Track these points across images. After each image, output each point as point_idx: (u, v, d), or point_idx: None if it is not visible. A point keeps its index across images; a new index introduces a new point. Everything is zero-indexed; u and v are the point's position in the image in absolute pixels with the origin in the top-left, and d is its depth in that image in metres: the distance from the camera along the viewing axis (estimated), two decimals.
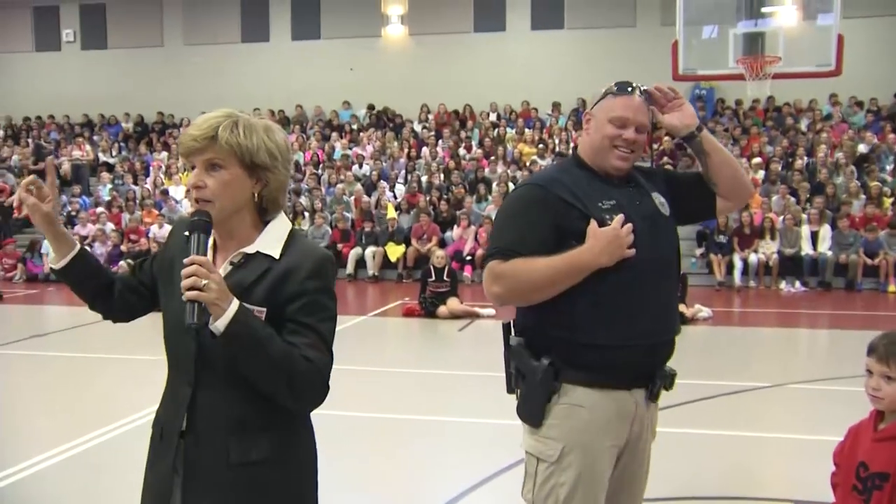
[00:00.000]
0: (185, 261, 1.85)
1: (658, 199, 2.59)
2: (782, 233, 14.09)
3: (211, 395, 1.99)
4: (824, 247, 13.85)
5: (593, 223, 2.42)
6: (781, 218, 14.31)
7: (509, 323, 2.63)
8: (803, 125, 18.10)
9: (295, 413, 2.06)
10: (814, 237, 14.00)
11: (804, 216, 14.28)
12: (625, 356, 2.45)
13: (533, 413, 2.50)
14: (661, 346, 2.53)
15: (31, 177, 2.14)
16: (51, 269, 2.18)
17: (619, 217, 2.43)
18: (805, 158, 16.37)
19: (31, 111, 22.77)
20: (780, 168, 16.02)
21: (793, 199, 14.63)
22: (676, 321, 2.62)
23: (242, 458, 1.96)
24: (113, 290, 2.23)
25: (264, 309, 1.96)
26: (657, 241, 2.51)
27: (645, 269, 2.45)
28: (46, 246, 11.17)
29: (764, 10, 10.66)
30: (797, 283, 13.58)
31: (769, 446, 5.59)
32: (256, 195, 2.02)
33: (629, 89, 2.54)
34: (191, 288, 1.81)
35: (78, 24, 23.23)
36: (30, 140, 21.42)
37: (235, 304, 1.86)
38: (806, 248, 13.90)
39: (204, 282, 1.81)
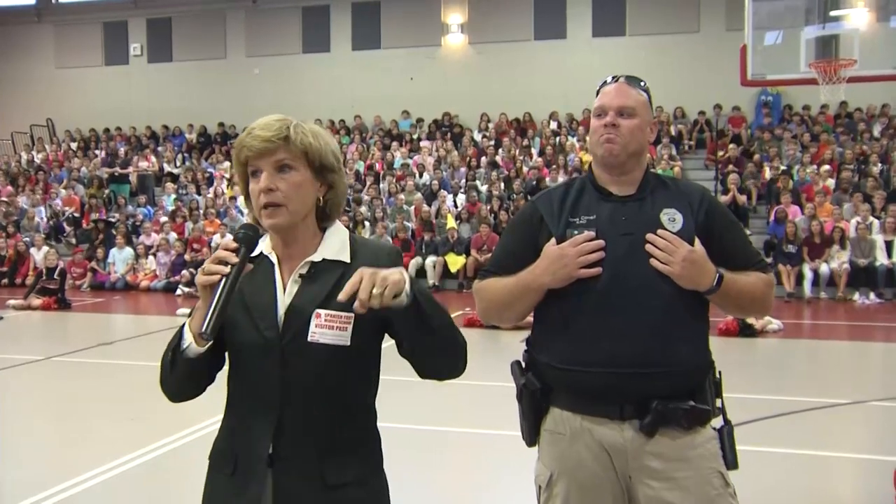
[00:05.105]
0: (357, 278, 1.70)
1: (668, 214, 2.34)
2: (854, 242, 13.61)
3: (298, 419, 1.90)
4: None
5: (551, 241, 2.34)
6: (853, 226, 13.83)
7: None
8: (876, 131, 17.52)
9: (375, 429, 2.01)
10: (888, 246, 13.49)
11: (877, 224, 13.78)
12: (595, 382, 2.28)
13: (524, 433, 2.48)
14: (648, 376, 2.26)
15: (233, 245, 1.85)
16: (182, 352, 1.88)
17: (584, 234, 2.30)
18: (879, 165, 15.82)
19: (101, 124, 23.35)
20: (851, 175, 15.51)
21: (866, 206, 14.11)
22: (673, 350, 2.28)
23: (338, 480, 1.89)
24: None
25: (352, 314, 1.84)
26: (639, 261, 2.29)
27: (613, 290, 2.28)
28: (112, 255, 11.30)
29: (837, 12, 10.32)
30: (871, 295, 13.09)
31: (852, 467, 5.33)
32: (321, 199, 1.96)
33: (607, 81, 2.46)
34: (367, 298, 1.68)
35: (145, 37, 23.76)
36: (97, 152, 21.97)
37: (401, 270, 1.77)
38: (881, 258, 13.40)
39: (376, 290, 1.68)
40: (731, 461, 2.36)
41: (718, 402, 2.40)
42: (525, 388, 2.43)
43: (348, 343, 1.87)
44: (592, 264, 2.29)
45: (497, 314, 2.52)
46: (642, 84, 2.46)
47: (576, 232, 2.32)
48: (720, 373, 2.42)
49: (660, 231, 2.31)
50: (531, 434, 2.46)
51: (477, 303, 2.55)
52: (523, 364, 2.49)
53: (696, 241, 2.31)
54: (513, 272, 2.40)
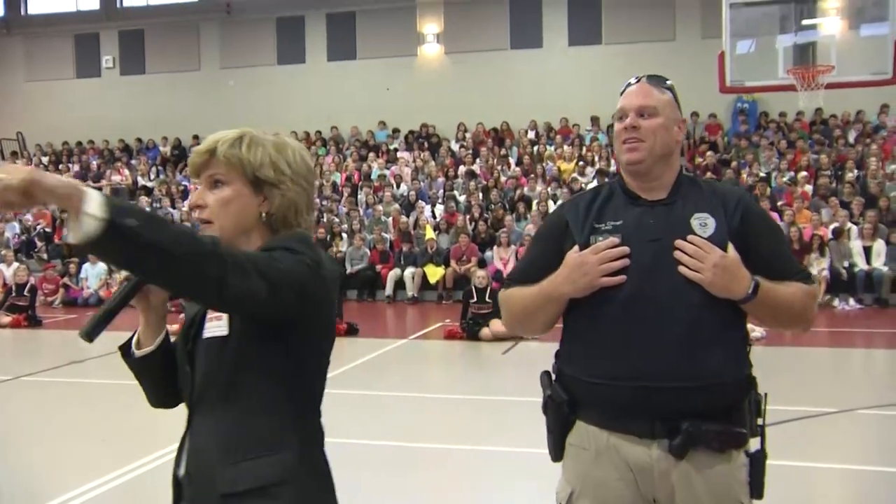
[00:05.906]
0: None
1: (700, 219, 2.20)
2: (833, 248, 13.64)
3: (201, 424, 1.83)
4: (879, 262, 13.37)
5: (574, 248, 2.22)
6: (831, 232, 13.86)
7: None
8: (851, 137, 17.65)
9: (290, 429, 1.81)
10: (867, 252, 13.53)
11: (855, 230, 13.82)
12: (622, 396, 2.15)
13: (549, 447, 2.36)
14: (677, 391, 2.11)
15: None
16: (127, 356, 1.97)
17: (607, 241, 2.18)
18: (855, 171, 15.91)
19: (73, 137, 23.01)
20: (829, 181, 15.58)
21: (844, 212, 14.16)
22: (703, 363, 2.13)
23: (230, 489, 1.74)
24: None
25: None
26: (667, 268, 2.16)
27: (639, 299, 2.15)
28: (85, 270, 11.03)
29: (813, 21, 10.37)
30: (851, 301, 13.11)
31: (850, 478, 5.24)
32: (265, 215, 1.84)
33: (631, 83, 2.35)
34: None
35: (117, 50, 23.49)
36: (70, 165, 21.64)
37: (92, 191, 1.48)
38: (860, 264, 13.43)
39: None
40: (757, 491, 2.22)
41: (759, 421, 2.25)
42: (551, 399, 2.30)
43: (226, 332, 1.78)
44: (616, 272, 2.17)
45: (519, 325, 2.42)
46: (666, 83, 2.33)
47: (600, 238, 2.20)
48: (765, 394, 2.26)
49: (690, 236, 2.17)
50: (556, 449, 2.32)
51: (502, 314, 2.47)
52: (553, 375, 2.36)
53: (730, 246, 2.17)
54: (536, 281, 2.28)
